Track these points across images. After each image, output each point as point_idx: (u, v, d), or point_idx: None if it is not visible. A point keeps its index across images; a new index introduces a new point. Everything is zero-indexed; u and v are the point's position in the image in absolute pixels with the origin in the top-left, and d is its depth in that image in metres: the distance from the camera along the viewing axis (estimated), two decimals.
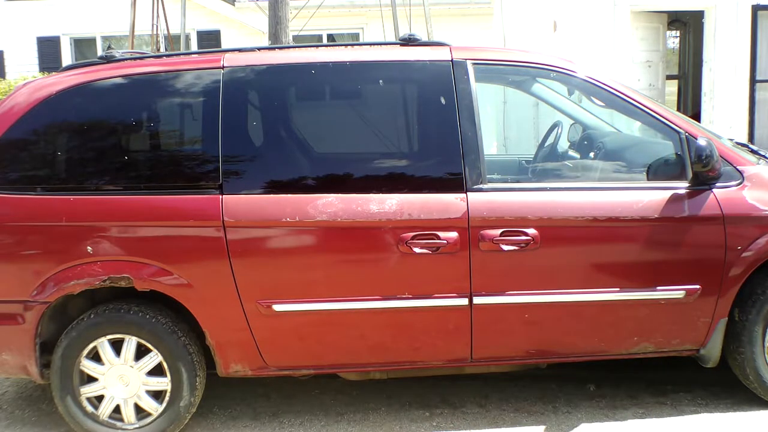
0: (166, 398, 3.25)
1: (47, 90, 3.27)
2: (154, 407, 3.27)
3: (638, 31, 9.04)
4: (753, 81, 8.87)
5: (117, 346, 3.22)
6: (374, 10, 10.90)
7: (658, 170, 3.31)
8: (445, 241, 3.11)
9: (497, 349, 3.35)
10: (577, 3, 8.61)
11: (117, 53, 3.48)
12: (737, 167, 3.33)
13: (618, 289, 3.24)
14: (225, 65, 3.27)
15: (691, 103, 11.85)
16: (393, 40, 7.43)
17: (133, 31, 10.06)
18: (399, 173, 3.26)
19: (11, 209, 3.16)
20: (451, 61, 3.29)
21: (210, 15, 12.32)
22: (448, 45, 3.39)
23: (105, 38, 12.52)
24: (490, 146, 7.22)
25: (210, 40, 12.33)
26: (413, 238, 3.10)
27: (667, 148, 3.38)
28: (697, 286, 3.25)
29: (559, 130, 4.26)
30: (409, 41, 3.43)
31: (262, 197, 3.16)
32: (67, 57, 12.45)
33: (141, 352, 3.23)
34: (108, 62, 3.39)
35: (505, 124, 7.65)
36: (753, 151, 3.80)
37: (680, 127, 3.32)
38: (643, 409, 3.51)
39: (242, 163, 3.20)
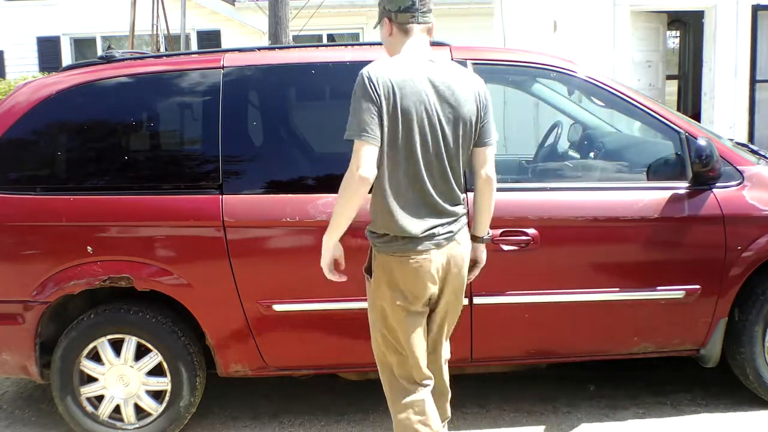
0: (166, 398, 3.25)
1: (48, 90, 3.27)
2: (154, 407, 3.27)
3: (638, 31, 9.03)
4: (753, 81, 8.86)
5: (117, 346, 3.22)
6: (374, 10, 10.85)
7: (658, 170, 3.31)
8: None
9: (497, 349, 3.35)
10: (577, 3, 8.60)
11: (117, 53, 3.47)
12: (737, 167, 3.32)
13: (618, 289, 3.24)
14: (225, 65, 3.27)
15: (691, 103, 11.85)
16: None
17: (133, 31, 10.05)
18: None
19: (11, 209, 3.16)
20: (452, 61, 3.29)
21: (210, 15, 12.30)
22: (448, 45, 3.38)
23: (105, 38, 12.49)
24: None
25: (210, 40, 12.31)
26: None
27: (667, 148, 3.37)
28: (697, 286, 3.25)
29: (559, 130, 4.25)
30: None
31: (262, 197, 3.16)
32: (67, 57, 12.42)
33: (141, 352, 3.23)
34: (108, 62, 3.39)
35: (505, 124, 7.63)
36: (753, 151, 3.80)
37: (680, 127, 3.32)
38: (643, 409, 3.51)
39: (242, 163, 3.20)
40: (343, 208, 2.31)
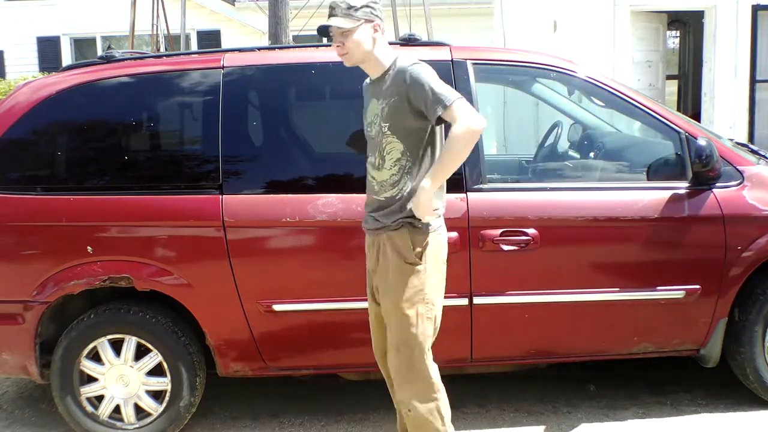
0: (166, 398, 3.25)
1: (48, 90, 3.27)
2: (154, 407, 3.27)
3: (638, 31, 9.04)
4: (753, 81, 8.86)
5: (117, 346, 3.22)
6: None
7: (658, 170, 3.31)
8: None
9: (497, 349, 3.35)
10: (577, 3, 8.60)
11: (117, 53, 3.47)
12: (737, 167, 3.32)
13: (618, 289, 3.24)
14: (225, 65, 3.27)
15: (691, 103, 11.84)
16: (393, 40, 7.41)
17: (133, 31, 10.04)
18: None
19: (11, 209, 3.16)
20: (451, 61, 3.29)
21: (210, 15, 12.29)
22: (448, 45, 3.38)
23: (105, 38, 12.48)
24: (490, 146, 7.21)
25: (210, 40, 12.30)
26: None
27: (667, 148, 3.37)
28: (697, 286, 3.25)
29: (559, 130, 4.25)
30: (409, 41, 3.42)
31: (262, 197, 3.16)
32: (67, 57, 12.41)
33: (141, 352, 3.23)
34: (108, 62, 3.38)
35: (505, 124, 7.63)
36: (753, 151, 3.80)
37: (680, 127, 3.32)
38: (643, 409, 3.51)
39: (242, 163, 3.20)
40: (459, 159, 2.52)
